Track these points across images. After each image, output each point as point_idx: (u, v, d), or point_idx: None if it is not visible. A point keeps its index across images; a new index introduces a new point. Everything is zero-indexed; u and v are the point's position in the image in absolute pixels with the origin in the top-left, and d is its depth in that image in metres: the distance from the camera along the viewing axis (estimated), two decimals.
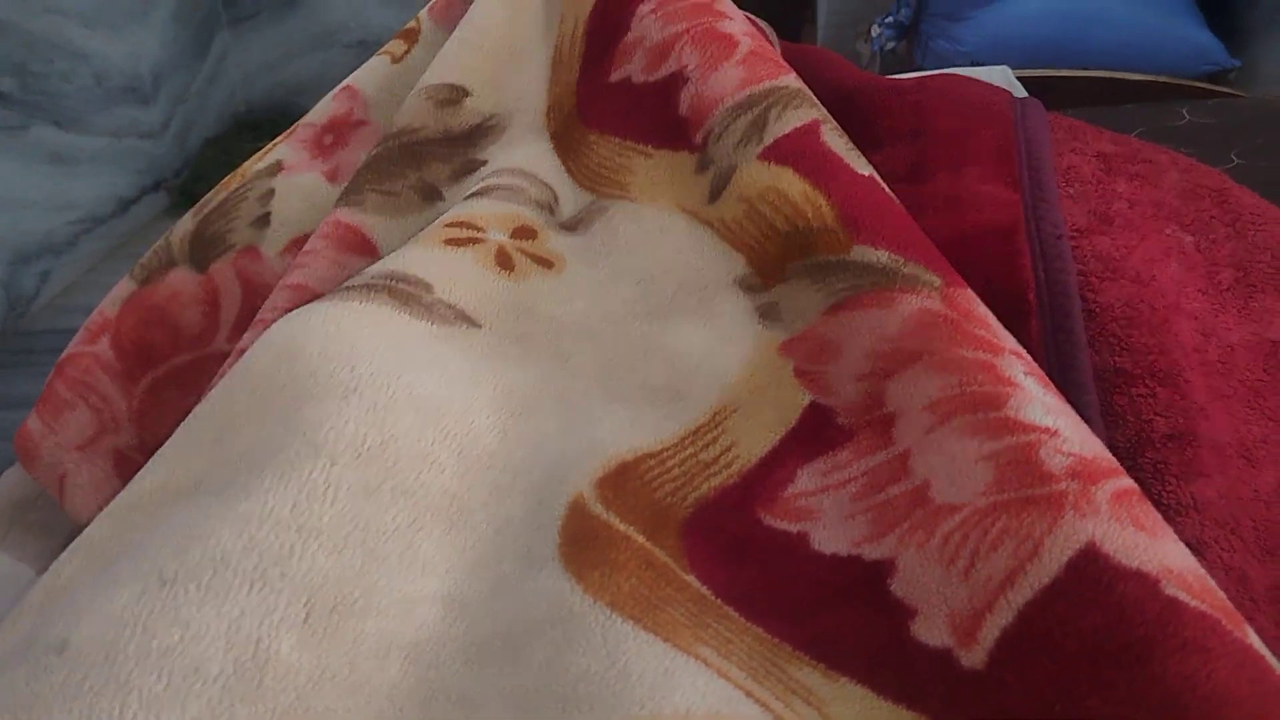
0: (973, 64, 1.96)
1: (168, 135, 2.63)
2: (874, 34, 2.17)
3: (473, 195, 0.55)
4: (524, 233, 0.52)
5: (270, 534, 0.30)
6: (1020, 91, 1.00)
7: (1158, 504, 0.44)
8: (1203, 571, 0.30)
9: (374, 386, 0.36)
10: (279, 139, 0.68)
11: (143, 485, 0.35)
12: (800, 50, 0.79)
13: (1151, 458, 0.45)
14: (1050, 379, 0.48)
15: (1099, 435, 0.46)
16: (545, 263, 0.51)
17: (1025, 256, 0.52)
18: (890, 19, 2.16)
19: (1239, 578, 0.42)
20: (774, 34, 0.76)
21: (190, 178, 2.66)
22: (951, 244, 0.54)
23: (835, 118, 0.69)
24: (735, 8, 0.59)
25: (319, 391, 0.36)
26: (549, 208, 0.55)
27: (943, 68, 2.00)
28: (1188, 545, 0.43)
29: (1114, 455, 0.46)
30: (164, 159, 2.63)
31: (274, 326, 0.41)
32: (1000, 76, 1.03)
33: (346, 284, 0.46)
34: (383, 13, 2.90)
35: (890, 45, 2.18)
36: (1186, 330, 0.51)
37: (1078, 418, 0.36)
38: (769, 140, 0.48)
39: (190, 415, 0.38)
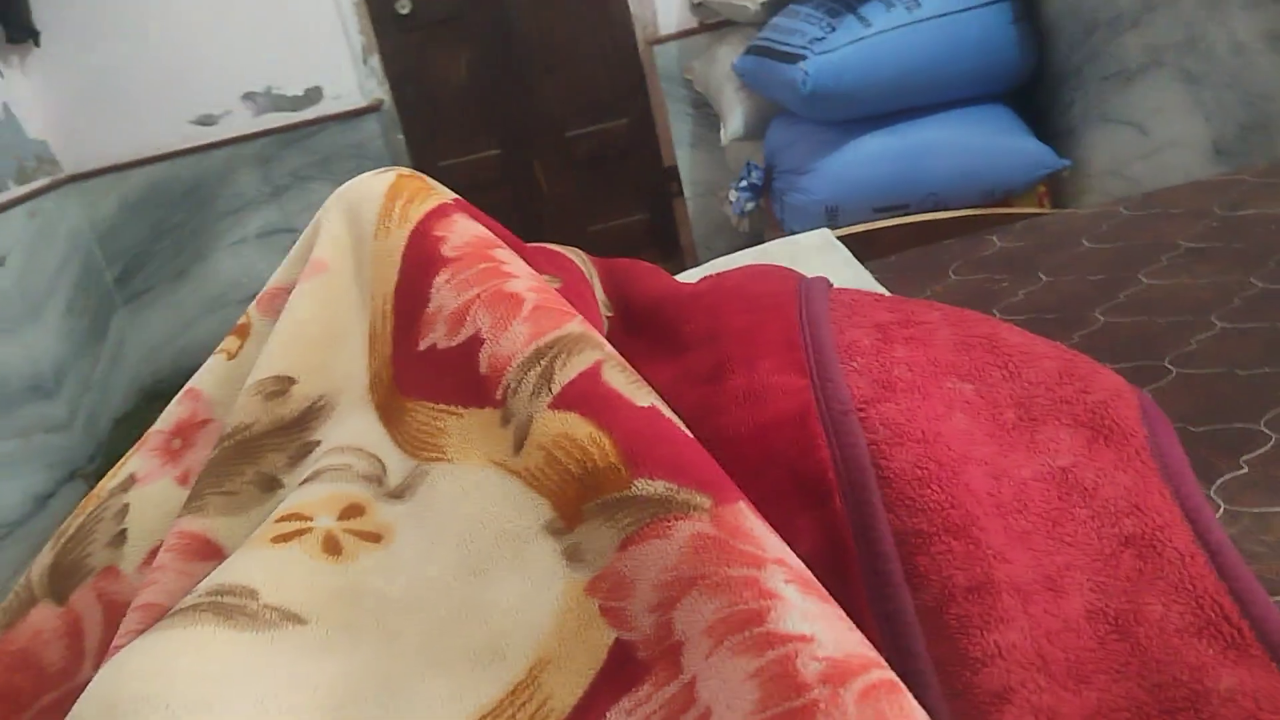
0: (826, 210, 2.08)
1: (76, 425, 2.64)
2: (732, 199, 2.29)
3: (304, 482, 0.58)
4: (352, 511, 0.55)
5: None
6: (842, 250, 1.08)
7: (965, 657, 0.47)
8: None
9: None
10: (131, 451, 0.70)
11: None
12: (617, 265, 0.85)
13: (955, 613, 0.48)
14: (856, 551, 0.52)
15: (903, 602, 0.49)
16: (374, 537, 0.54)
17: (820, 438, 0.56)
18: (744, 183, 2.29)
19: (1049, 718, 0.45)
20: (585, 259, 0.82)
21: (104, 462, 2.66)
22: (753, 438, 0.58)
23: (646, 326, 0.74)
24: (522, 263, 0.64)
25: None
26: (377, 479, 0.58)
27: (801, 219, 2.13)
28: (996, 694, 0.46)
29: (922, 615, 0.49)
30: (76, 448, 2.63)
31: (98, 675, 0.43)
32: (820, 239, 1.10)
33: (175, 607, 0.48)
34: (273, 264, 2.99)
35: (750, 207, 2.30)
36: (977, 477, 0.55)
37: (837, 614, 0.39)
38: (557, 389, 0.52)
39: None
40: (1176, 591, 0.50)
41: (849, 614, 0.45)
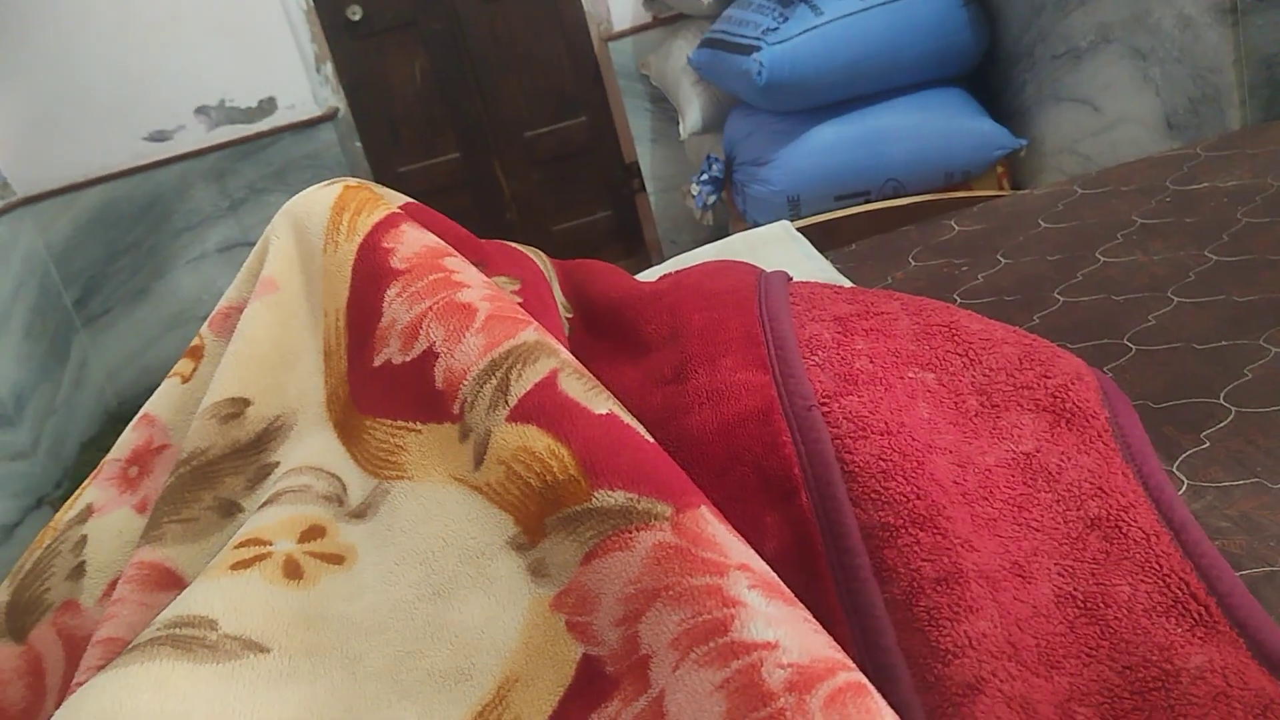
0: (788, 200, 2.08)
1: (40, 451, 2.60)
2: (694, 193, 2.28)
3: (263, 505, 0.57)
4: (313, 533, 0.54)
5: None
6: (803, 242, 1.07)
7: (936, 649, 0.47)
8: None
9: None
10: (88, 480, 0.69)
11: None
12: (576, 266, 0.84)
13: (925, 604, 0.48)
14: (823, 546, 0.51)
15: (872, 596, 0.49)
16: (336, 559, 0.53)
17: (785, 435, 0.56)
18: (705, 177, 2.28)
19: (1022, 706, 0.44)
20: (545, 259, 0.81)
21: (71, 487, 2.61)
22: (719, 436, 0.58)
23: (608, 327, 0.73)
24: (475, 272, 0.63)
25: None
26: (337, 499, 0.57)
27: (764, 210, 2.13)
28: (967, 685, 0.45)
29: (892, 608, 0.49)
30: (41, 475, 2.58)
31: (56, 716, 0.42)
32: (781, 231, 1.10)
33: (133, 641, 0.47)
34: (232, 279, 2.95)
35: (712, 200, 2.30)
36: (942, 466, 0.55)
37: (803, 617, 0.39)
38: (513, 401, 0.51)
39: None
40: (1143, 571, 0.50)
41: (818, 610, 0.44)
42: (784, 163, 2.12)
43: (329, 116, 2.98)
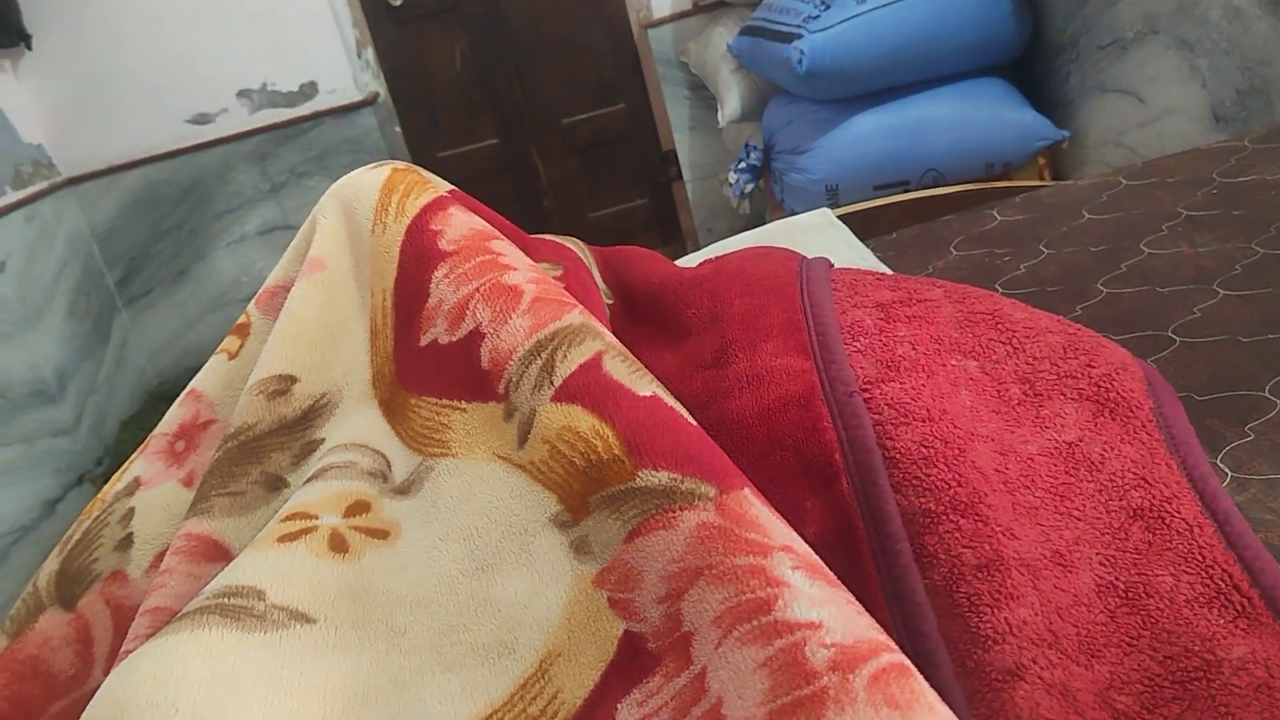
0: (826, 189, 2.07)
1: (82, 428, 2.65)
2: (731, 180, 2.28)
3: (308, 481, 0.58)
4: (357, 508, 0.55)
5: None
6: (843, 230, 1.07)
7: (976, 635, 0.47)
8: None
9: None
10: (135, 455, 0.70)
11: None
12: (615, 253, 0.85)
13: (965, 591, 0.48)
14: (864, 532, 0.52)
15: (913, 582, 0.49)
16: (380, 534, 0.53)
17: (826, 420, 0.56)
18: (742, 164, 2.28)
19: (1061, 693, 0.44)
20: (583, 247, 0.82)
21: (112, 465, 2.66)
22: (759, 421, 0.58)
23: (648, 312, 0.74)
24: (520, 255, 0.64)
25: None
26: (382, 476, 0.58)
27: (801, 199, 2.12)
28: (1008, 671, 0.46)
29: (933, 594, 0.49)
30: (83, 452, 2.63)
31: (108, 681, 0.43)
32: (820, 219, 1.10)
33: (182, 610, 0.48)
34: (272, 261, 2.98)
35: (750, 188, 2.29)
36: (984, 454, 0.55)
37: (846, 599, 0.39)
38: (558, 381, 0.52)
39: None
40: (1186, 562, 0.50)
41: (858, 595, 0.45)
42: (823, 151, 2.11)
43: (369, 101, 3.01)
